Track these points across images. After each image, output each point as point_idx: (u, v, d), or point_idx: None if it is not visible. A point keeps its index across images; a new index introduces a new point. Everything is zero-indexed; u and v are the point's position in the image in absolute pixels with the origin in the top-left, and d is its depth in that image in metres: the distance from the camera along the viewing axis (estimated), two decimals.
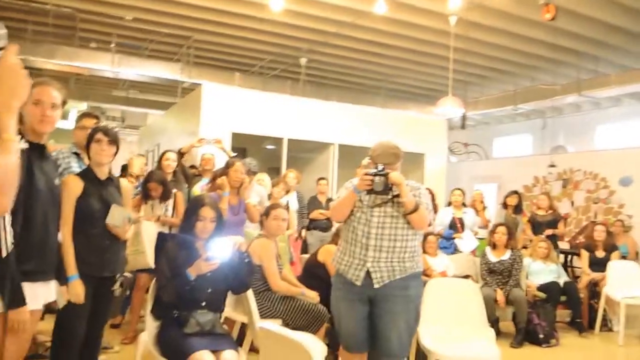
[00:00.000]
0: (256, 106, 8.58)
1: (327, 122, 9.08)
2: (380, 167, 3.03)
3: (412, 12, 8.21)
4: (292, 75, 11.72)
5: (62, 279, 2.72)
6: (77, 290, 2.80)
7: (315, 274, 4.47)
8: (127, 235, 3.12)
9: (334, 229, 6.43)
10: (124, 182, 3.27)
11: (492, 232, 5.92)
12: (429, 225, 3.91)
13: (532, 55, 9.83)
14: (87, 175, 3.00)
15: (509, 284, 5.52)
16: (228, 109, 8.24)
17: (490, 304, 5.09)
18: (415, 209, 3.01)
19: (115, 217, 2.97)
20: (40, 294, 2.40)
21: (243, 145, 8.84)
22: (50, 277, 2.60)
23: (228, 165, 4.87)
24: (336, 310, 3.23)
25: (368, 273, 3.05)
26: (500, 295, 5.41)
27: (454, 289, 4.24)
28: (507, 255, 5.70)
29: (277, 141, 9.07)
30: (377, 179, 2.97)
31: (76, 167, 3.46)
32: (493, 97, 12.01)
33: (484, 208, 7.72)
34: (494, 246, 5.81)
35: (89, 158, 3.08)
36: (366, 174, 3.01)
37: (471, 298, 4.11)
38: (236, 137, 8.11)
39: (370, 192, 3.02)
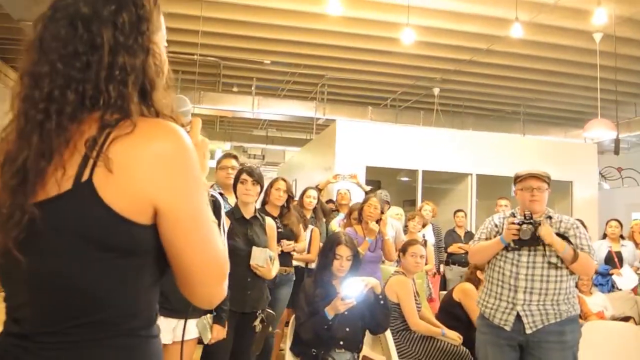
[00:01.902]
0: (389, 139, 8.58)
1: (463, 151, 8.80)
2: (527, 213, 2.85)
3: (551, 33, 7.79)
4: (425, 105, 11.62)
5: (216, 316, 2.86)
6: (217, 327, 2.93)
7: (452, 313, 4.29)
8: (271, 274, 3.20)
9: None
10: (269, 221, 3.40)
11: None
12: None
13: None
14: (233, 214, 3.16)
15: None
16: (362, 143, 8.33)
17: None
18: (575, 259, 2.78)
19: (257, 258, 3.09)
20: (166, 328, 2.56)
21: (377, 178, 8.85)
22: (184, 316, 2.73)
23: (364, 201, 4.90)
24: (483, 355, 3.05)
25: (518, 317, 2.85)
26: None
27: (614, 333, 3.83)
28: None
29: (412, 173, 8.97)
30: (524, 226, 2.80)
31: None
32: None
33: None
34: None
35: (236, 197, 3.25)
36: (512, 223, 2.84)
37: (634, 343, 3.68)
38: (370, 170, 8.15)
39: (517, 242, 2.84)
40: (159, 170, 0.92)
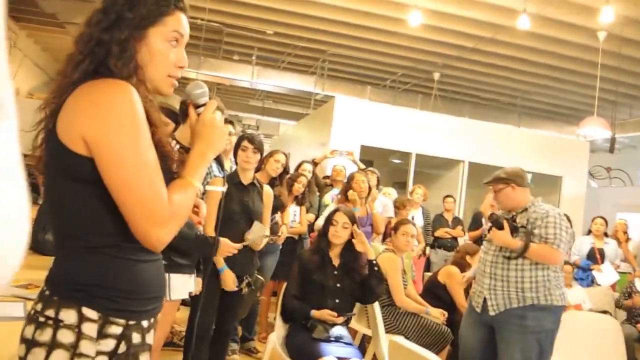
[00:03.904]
0: (386, 120, 8.60)
1: (458, 138, 8.85)
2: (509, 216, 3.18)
3: (557, 28, 7.81)
4: (423, 89, 11.63)
5: (200, 271, 2.92)
6: (227, 280, 3.03)
7: (435, 294, 4.39)
8: (260, 247, 3.23)
9: None
10: (267, 189, 3.42)
11: None
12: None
13: None
14: (232, 179, 3.19)
15: None
16: (358, 122, 8.34)
17: (629, 344, 4.65)
18: (523, 252, 3.00)
19: (254, 232, 3.09)
20: (187, 285, 2.62)
21: (370, 158, 8.89)
22: (193, 272, 2.82)
23: (349, 179, 4.95)
24: (461, 332, 3.32)
25: (485, 300, 3.11)
26: None
27: (591, 325, 3.94)
28: None
29: (405, 155, 9.01)
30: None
31: (217, 171, 3.69)
32: None
33: (628, 240, 7.09)
34: None
35: (236, 163, 3.27)
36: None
37: (610, 336, 3.80)
38: (364, 149, 8.19)
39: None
40: (88, 111, 1.16)
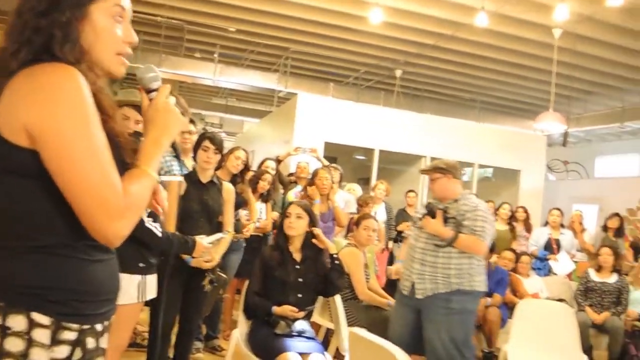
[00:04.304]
0: (349, 116, 8.67)
1: (420, 134, 8.99)
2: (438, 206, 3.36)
3: (514, 25, 7.99)
4: (386, 86, 11.75)
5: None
6: (200, 262, 3.01)
7: (397, 287, 4.47)
8: (217, 257, 3.15)
9: None
10: (227, 185, 3.41)
11: (596, 254, 5.62)
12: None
13: None
14: (190, 177, 3.18)
15: (612, 310, 5.19)
16: (321, 119, 8.39)
17: (584, 331, 4.82)
18: (451, 242, 3.21)
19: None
20: (155, 283, 2.61)
21: (334, 155, 8.95)
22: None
23: (313, 175, 5.01)
24: (391, 316, 3.57)
25: (414, 284, 3.29)
26: (598, 317, 5.11)
27: (547, 312, 4.08)
28: (612, 279, 5.38)
29: (368, 152, 9.11)
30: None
31: (177, 169, 3.66)
32: (598, 114, 11.41)
33: (583, 230, 7.32)
34: (598, 269, 5.51)
35: (195, 161, 3.26)
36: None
37: (565, 322, 3.93)
38: (328, 146, 8.24)
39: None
40: (30, 98, 1.05)
